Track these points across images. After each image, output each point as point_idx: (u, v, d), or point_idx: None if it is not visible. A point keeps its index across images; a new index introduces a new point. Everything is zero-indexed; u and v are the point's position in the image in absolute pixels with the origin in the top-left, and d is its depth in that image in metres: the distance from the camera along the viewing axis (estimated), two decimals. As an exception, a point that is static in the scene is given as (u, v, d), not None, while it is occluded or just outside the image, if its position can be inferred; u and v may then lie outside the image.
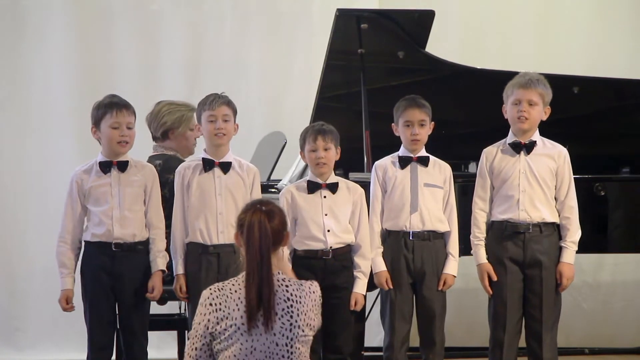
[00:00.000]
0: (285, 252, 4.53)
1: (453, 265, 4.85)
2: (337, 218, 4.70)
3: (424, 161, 4.88)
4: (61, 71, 6.86)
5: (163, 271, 4.67)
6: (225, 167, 4.70)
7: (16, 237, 6.81)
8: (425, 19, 5.66)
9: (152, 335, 4.91)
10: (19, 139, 6.84)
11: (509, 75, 4.92)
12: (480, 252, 4.85)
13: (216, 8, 7.03)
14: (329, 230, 4.67)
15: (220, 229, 4.64)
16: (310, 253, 4.67)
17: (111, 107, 4.63)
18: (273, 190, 5.67)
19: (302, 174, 5.49)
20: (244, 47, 7.01)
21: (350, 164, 5.34)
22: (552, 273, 4.79)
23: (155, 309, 5.01)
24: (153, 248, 4.67)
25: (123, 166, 4.66)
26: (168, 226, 4.73)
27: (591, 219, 5.37)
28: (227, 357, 3.40)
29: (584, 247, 4.94)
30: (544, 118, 4.84)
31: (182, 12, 7.00)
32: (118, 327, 4.68)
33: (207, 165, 4.69)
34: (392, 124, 4.93)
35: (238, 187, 4.70)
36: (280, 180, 5.82)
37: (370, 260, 4.76)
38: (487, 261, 4.84)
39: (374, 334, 6.32)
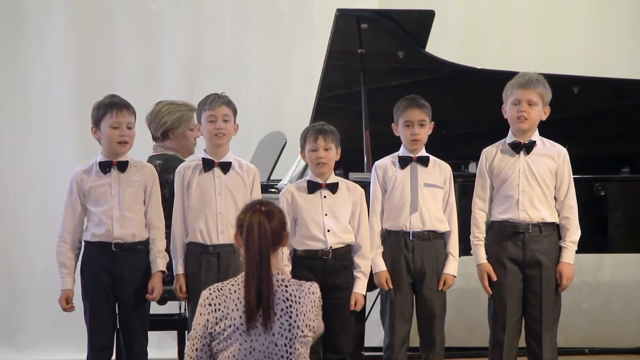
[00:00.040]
0: (285, 252, 4.54)
1: (453, 265, 4.85)
2: (337, 218, 4.70)
3: (424, 161, 4.88)
4: (61, 71, 6.87)
5: (163, 272, 4.67)
6: (225, 167, 4.70)
7: (16, 237, 6.81)
8: (425, 19, 5.66)
9: (152, 335, 4.91)
10: (19, 139, 6.84)
11: (509, 75, 4.91)
12: (480, 252, 4.85)
13: (216, 8, 7.03)
14: (329, 230, 4.68)
15: (220, 229, 4.64)
16: (310, 253, 4.67)
17: (111, 107, 4.63)
18: (273, 190, 5.67)
19: (302, 174, 5.49)
20: (244, 47, 7.02)
21: (350, 164, 5.34)
22: (552, 273, 4.78)
23: (155, 309, 5.02)
24: (153, 248, 4.66)
25: (123, 166, 4.66)
26: (168, 226, 4.73)
27: (591, 219, 5.37)
28: (226, 357, 3.40)
29: (584, 247, 4.94)
30: (544, 118, 4.84)
31: (182, 12, 7.00)
32: (118, 327, 4.67)
33: (207, 165, 4.69)
34: (392, 124, 4.93)
35: (238, 187, 4.70)
36: (280, 180, 5.83)
37: (370, 260, 4.76)
38: (486, 261, 4.84)
39: (374, 334, 6.32)
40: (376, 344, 6.20)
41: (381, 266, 4.81)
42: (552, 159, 4.83)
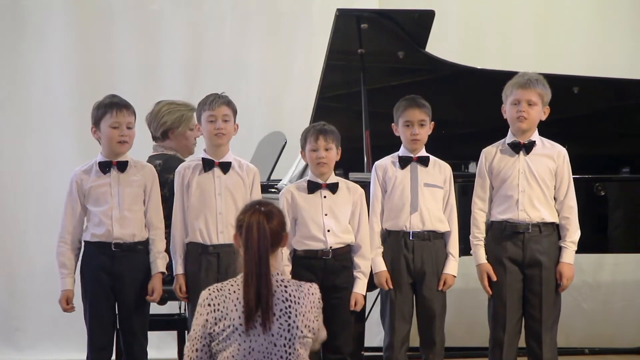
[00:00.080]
0: (285, 252, 4.54)
1: (453, 265, 4.85)
2: (337, 218, 4.70)
3: (424, 161, 4.88)
4: (61, 71, 6.87)
5: (163, 273, 4.67)
6: (225, 167, 4.70)
7: (16, 237, 6.81)
8: (425, 19, 5.66)
9: (152, 335, 4.91)
10: (19, 139, 6.84)
11: (509, 75, 4.91)
12: (479, 252, 4.85)
13: (216, 8, 7.03)
14: (329, 230, 4.67)
15: (220, 229, 4.63)
16: (310, 253, 4.67)
17: (111, 107, 4.63)
18: (273, 190, 5.67)
19: (302, 174, 5.49)
20: (244, 47, 7.02)
21: (350, 164, 5.34)
22: (552, 273, 4.78)
23: (155, 309, 5.01)
24: (153, 249, 4.66)
25: (123, 166, 4.66)
26: (168, 226, 4.73)
27: (591, 219, 5.37)
28: (226, 357, 3.40)
29: (584, 247, 4.94)
30: (543, 118, 4.84)
31: (182, 12, 7.00)
32: (118, 327, 4.67)
33: (207, 165, 4.69)
34: (392, 124, 4.93)
35: (238, 187, 4.70)
36: (280, 180, 5.83)
37: (370, 260, 4.76)
38: (486, 261, 4.83)
39: (374, 334, 6.32)
40: (376, 344, 6.20)
41: (381, 266, 4.81)
42: (551, 159, 4.82)
